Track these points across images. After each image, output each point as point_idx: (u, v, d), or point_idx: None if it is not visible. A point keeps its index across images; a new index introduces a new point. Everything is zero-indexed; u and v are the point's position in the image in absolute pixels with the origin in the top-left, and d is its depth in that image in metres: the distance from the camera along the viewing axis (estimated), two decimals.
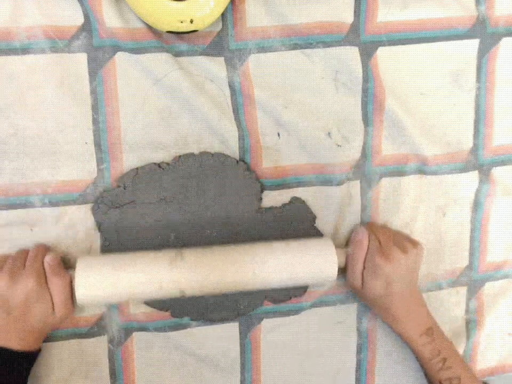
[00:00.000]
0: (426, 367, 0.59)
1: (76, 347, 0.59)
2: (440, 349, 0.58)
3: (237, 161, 0.58)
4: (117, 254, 0.55)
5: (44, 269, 0.53)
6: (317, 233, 0.61)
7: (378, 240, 0.58)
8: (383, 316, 0.61)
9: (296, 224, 0.61)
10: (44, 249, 0.55)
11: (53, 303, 0.53)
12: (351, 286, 0.60)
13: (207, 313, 0.61)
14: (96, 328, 0.59)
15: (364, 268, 0.58)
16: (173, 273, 0.54)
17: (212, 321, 0.61)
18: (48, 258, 0.53)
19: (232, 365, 0.63)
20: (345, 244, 0.63)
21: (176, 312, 0.60)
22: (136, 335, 0.60)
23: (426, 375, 0.61)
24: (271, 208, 0.60)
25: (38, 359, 0.56)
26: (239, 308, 0.61)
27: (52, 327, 0.56)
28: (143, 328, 0.60)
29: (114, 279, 0.53)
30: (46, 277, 0.53)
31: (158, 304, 0.59)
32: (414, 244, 0.59)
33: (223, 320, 0.61)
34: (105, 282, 0.53)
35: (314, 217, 0.61)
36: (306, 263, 0.57)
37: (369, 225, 0.62)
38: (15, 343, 0.52)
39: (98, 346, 0.60)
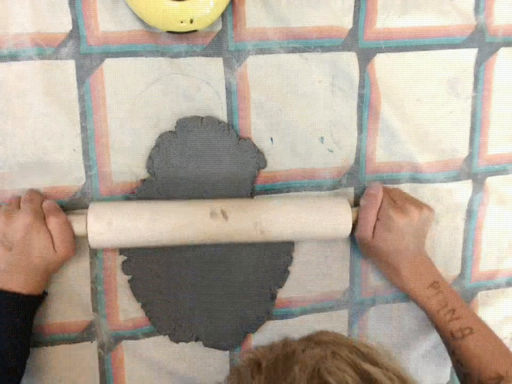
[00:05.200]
0: (436, 320, 0.59)
1: (64, 352, 0.59)
2: (448, 300, 0.58)
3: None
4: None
5: (41, 209, 0.53)
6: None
7: (392, 198, 0.58)
8: (388, 272, 0.61)
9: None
10: (39, 194, 0.56)
11: (53, 242, 0.53)
12: (361, 237, 0.59)
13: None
14: (85, 334, 0.59)
15: (378, 219, 0.57)
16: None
17: (219, 348, 0.62)
18: (46, 202, 0.54)
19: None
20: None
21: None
22: (125, 344, 0.60)
23: (438, 329, 0.60)
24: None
25: (28, 362, 0.55)
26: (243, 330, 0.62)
27: (54, 267, 0.55)
28: (132, 337, 0.60)
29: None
30: (43, 217, 0.53)
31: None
32: (427, 205, 0.58)
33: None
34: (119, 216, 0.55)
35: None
36: (321, 217, 0.57)
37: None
38: (18, 285, 0.52)
39: (87, 352, 0.60)
